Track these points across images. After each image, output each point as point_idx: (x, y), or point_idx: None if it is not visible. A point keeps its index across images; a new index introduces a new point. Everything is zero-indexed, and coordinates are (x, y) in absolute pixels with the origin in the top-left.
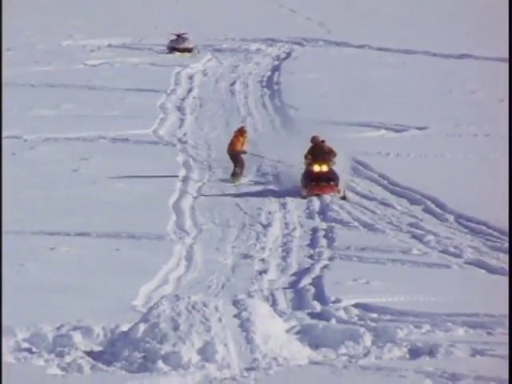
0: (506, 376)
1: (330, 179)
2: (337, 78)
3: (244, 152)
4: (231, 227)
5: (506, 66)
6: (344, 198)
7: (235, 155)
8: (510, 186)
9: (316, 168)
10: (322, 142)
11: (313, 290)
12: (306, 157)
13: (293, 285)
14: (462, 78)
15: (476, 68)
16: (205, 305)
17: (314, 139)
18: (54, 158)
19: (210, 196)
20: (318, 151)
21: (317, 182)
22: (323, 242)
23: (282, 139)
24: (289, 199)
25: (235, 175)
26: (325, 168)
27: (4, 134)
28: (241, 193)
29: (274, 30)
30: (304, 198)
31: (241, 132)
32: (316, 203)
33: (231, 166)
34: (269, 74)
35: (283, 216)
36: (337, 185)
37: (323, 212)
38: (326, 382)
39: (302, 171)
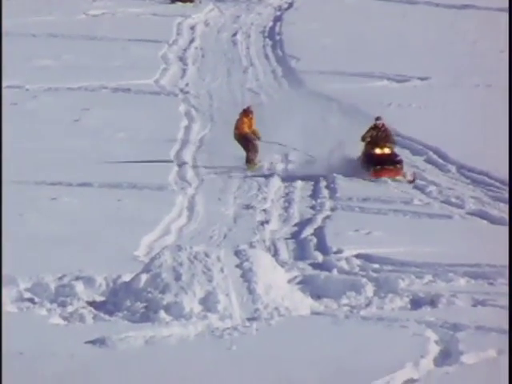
0: (506, 326)
1: (395, 162)
2: (338, 29)
3: (256, 137)
4: (233, 178)
5: (507, 16)
6: (412, 181)
7: (243, 139)
8: (510, 136)
9: (378, 151)
10: (383, 125)
11: (314, 240)
12: (363, 138)
13: (294, 235)
14: (464, 29)
15: (477, 18)
16: (207, 255)
17: (378, 119)
18: (56, 109)
19: (211, 146)
20: (380, 133)
21: (382, 166)
22: (325, 192)
23: (284, 89)
24: (290, 150)
25: (249, 161)
26: (387, 150)
27: (5, 84)
28: None
29: None
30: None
31: (246, 113)
32: (319, 151)
33: (239, 147)
34: (270, 24)
35: (285, 167)
36: (402, 168)
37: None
38: (327, 332)
39: (360, 153)
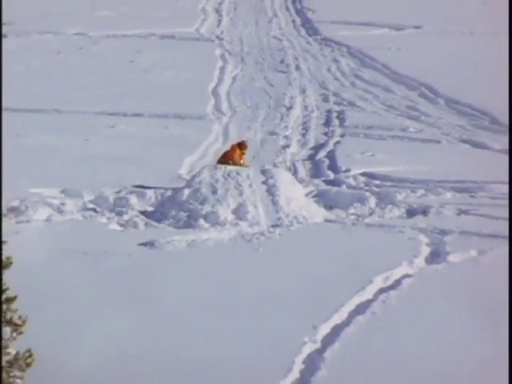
0: (486, 231)
1: None
2: None
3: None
4: (260, 109)
5: None
6: None
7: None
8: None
9: None
10: None
11: (327, 161)
12: None
13: (311, 157)
14: None
15: None
16: (238, 173)
17: None
18: (114, 51)
19: (242, 83)
20: None
21: None
22: (336, 121)
23: (302, 35)
24: (308, 86)
25: None
26: None
27: (72, 32)
28: (269, 81)
29: None
30: None
31: (240, 146)
32: (331, 87)
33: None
34: None
35: (303, 100)
36: None
37: (337, 95)
38: (337, 236)
39: None
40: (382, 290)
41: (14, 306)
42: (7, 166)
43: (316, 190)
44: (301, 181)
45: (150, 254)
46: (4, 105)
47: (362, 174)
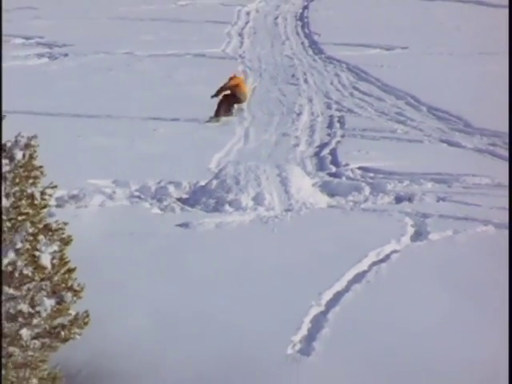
0: (460, 215)
1: None
2: (347, 14)
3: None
4: (275, 115)
5: (462, 5)
6: None
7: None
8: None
9: None
10: None
11: (330, 157)
12: None
13: (316, 154)
14: (432, 14)
15: (443, 7)
16: (257, 167)
17: None
18: (155, 68)
19: (260, 95)
20: None
21: None
22: (337, 125)
23: (309, 55)
24: (314, 96)
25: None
26: None
27: (121, 51)
28: (282, 92)
29: None
30: None
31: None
32: (333, 97)
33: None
34: (300, 11)
35: (310, 107)
36: None
37: (338, 103)
38: (338, 219)
39: None
40: (374, 263)
41: (73, 275)
42: (70, 162)
43: (321, 181)
44: (308, 173)
45: (185, 234)
46: (67, 111)
47: (359, 168)
